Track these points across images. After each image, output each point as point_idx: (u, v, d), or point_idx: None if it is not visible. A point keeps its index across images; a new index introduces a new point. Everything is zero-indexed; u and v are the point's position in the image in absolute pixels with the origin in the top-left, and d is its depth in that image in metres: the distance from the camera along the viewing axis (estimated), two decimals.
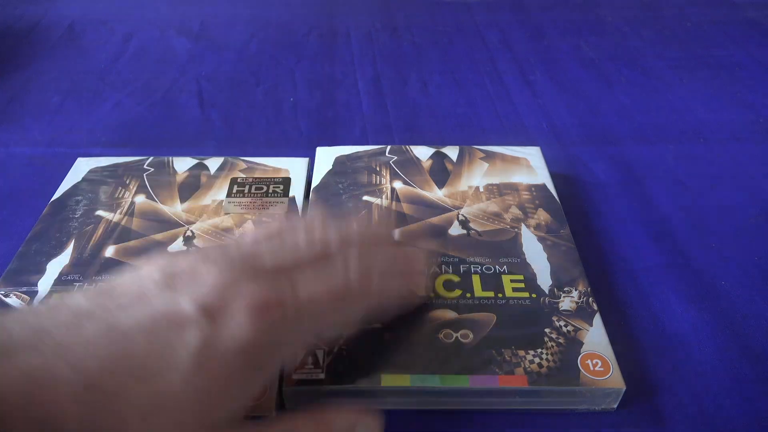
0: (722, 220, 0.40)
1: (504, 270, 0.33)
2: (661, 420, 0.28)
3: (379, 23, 0.69)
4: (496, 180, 0.39)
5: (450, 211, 0.37)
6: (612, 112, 0.53)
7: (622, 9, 0.72)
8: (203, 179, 0.40)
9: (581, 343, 0.29)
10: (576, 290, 0.31)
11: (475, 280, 0.32)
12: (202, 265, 0.22)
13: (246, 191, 0.39)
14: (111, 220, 0.36)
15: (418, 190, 0.38)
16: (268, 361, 0.22)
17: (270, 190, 0.39)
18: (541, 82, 0.57)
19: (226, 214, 0.37)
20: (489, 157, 0.41)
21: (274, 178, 0.40)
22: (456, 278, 0.32)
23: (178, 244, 0.34)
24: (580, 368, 0.27)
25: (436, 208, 0.37)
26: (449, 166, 0.40)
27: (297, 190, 0.39)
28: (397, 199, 0.37)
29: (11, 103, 0.53)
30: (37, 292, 0.31)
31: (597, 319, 0.30)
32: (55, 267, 0.33)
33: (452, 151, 0.42)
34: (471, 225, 0.36)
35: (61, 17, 0.68)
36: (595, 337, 0.29)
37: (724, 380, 0.30)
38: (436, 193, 0.38)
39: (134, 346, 0.19)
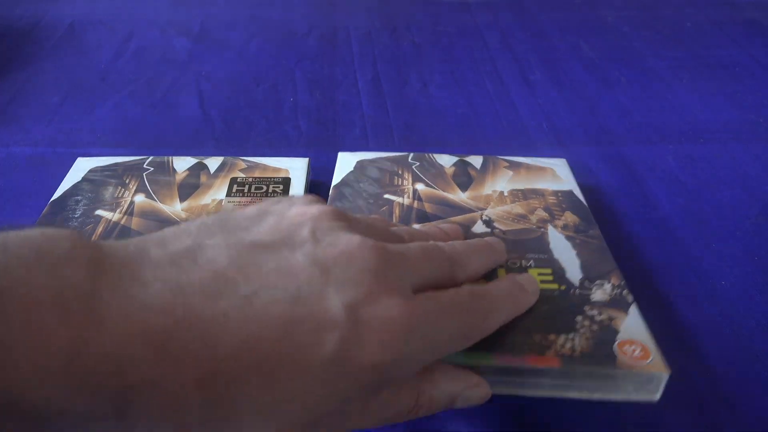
0: (722, 220, 0.40)
1: (531, 264, 0.31)
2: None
3: (379, 23, 0.69)
4: (521, 186, 0.38)
5: (473, 212, 0.36)
6: (612, 112, 0.53)
7: (622, 9, 0.72)
8: (203, 179, 0.40)
9: (617, 331, 0.27)
10: (609, 283, 0.30)
11: (501, 273, 0.30)
12: (360, 250, 0.20)
13: (246, 191, 0.39)
14: (111, 220, 0.36)
15: (441, 192, 0.37)
16: (395, 381, 0.21)
17: (270, 190, 0.39)
18: (541, 82, 0.57)
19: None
20: (513, 166, 0.40)
21: (273, 177, 0.40)
22: None
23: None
24: (617, 354, 0.25)
25: (459, 208, 0.36)
26: (472, 173, 0.39)
27: (297, 190, 0.39)
28: (419, 199, 0.37)
29: (11, 103, 0.53)
30: None
31: (633, 309, 0.28)
32: None
33: (476, 160, 0.41)
34: (495, 224, 0.34)
35: (61, 17, 0.68)
36: (633, 325, 0.27)
37: (724, 380, 0.30)
38: (459, 196, 0.37)
39: (268, 333, 0.17)
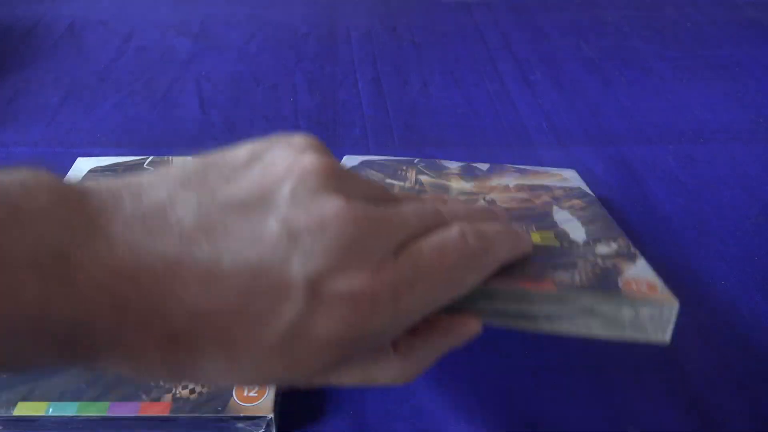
0: (722, 220, 0.40)
1: (532, 228, 0.29)
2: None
3: (379, 23, 0.69)
4: (528, 182, 0.37)
5: (476, 196, 0.34)
6: (612, 112, 0.53)
7: (622, 9, 0.72)
8: None
9: (621, 272, 0.25)
10: (615, 243, 0.28)
11: None
12: (338, 218, 0.19)
13: None
14: None
15: (444, 181, 0.37)
16: (359, 352, 0.20)
17: None
18: (542, 82, 0.57)
19: None
20: (521, 171, 0.39)
21: None
22: None
23: None
24: (622, 288, 0.23)
25: (462, 193, 0.35)
26: (479, 173, 0.39)
27: None
28: (421, 184, 0.36)
29: (11, 103, 0.53)
30: None
31: (641, 260, 0.26)
32: None
33: (483, 165, 0.40)
34: (499, 204, 0.33)
35: (61, 17, 0.68)
36: (640, 269, 0.25)
37: (725, 380, 0.30)
38: (463, 185, 0.36)
39: (226, 304, 0.17)
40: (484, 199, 0.34)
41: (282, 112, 0.53)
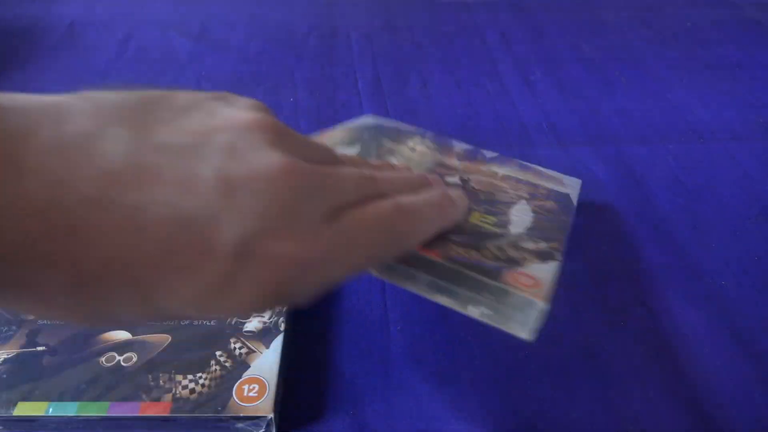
0: (722, 220, 0.40)
1: (481, 210, 0.30)
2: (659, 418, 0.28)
3: (379, 23, 0.69)
4: (518, 176, 0.36)
5: (456, 173, 0.34)
6: (612, 112, 0.53)
7: (622, 9, 0.72)
8: None
9: (521, 265, 0.26)
10: (545, 243, 0.28)
11: None
12: (276, 176, 0.18)
13: None
14: None
15: (436, 153, 0.36)
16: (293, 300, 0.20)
17: None
18: (541, 82, 0.57)
19: None
20: (524, 167, 0.38)
21: None
22: None
23: None
24: (504, 277, 0.24)
25: (446, 168, 0.35)
26: (478, 157, 0.38)
27: None
28: (414, 151, 0.35)
29: None
30: None
31: (553, 263, 0.27)
32: None
33: (490, 153, 0.39)
34: (471, 183, 0.33)
35: (61, 17, 0.68)
36: (541, 268, 0.26)
37: (725, 380, 0.30)
38: (452, 161, 0.36)
39: (146, 255, 0.16)
40: (460, 176, 0.34)
41: (282, 112, 0.53)
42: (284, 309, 0.31)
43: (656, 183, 0.44)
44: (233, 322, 0.30)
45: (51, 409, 0.26)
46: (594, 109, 0.53)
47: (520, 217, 0.31)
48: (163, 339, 0.29)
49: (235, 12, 0.71)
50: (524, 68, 0.60)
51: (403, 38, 0.66)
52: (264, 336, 0.30)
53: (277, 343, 0.29)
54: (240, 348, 0.29)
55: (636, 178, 0.45)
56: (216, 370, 0.28)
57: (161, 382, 0.27)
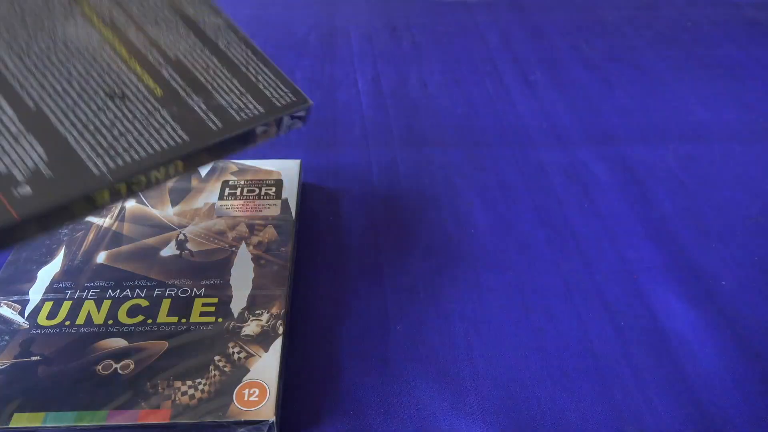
0: (722, 220, 0.40)
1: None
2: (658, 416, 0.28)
3: (379, 23, 0.69)
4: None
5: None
6: (612, 112, 0.53)
7: (622, 9, 0.72)
8: (194, 183, 0.40)
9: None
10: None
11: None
12: None
13: (238, 194, 0.39)
14: (102, 226, 0.36)
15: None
16: None
17: (262, 192, 0.39)
18: (542, 82, 0.57)
19: (219, 216, 0.37)
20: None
21: (266, 180, 0.40)
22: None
23: (170, 248, 0.35)
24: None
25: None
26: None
27: (290, 192, 0.39)
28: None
29: None
30: (28, 300, 0.31)
31: (276, 345, 0.29)
32: (46, 274, 0.33)
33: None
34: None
35: None
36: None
37: (724, 380, 0.30)
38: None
39: None
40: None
41: None
42: (282, 312, 0.31)
43: (656, 183, 0.44)
44: (231, 327, 0.30)
45: (48, 420, 0.26)
46: (594, 109, 0.53)
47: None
48: (161, 346, 0.29)
49: (235, 12, 0.71)
50: (524, 68, 0.60)
51: (403, 38, 0.66)
52: (262, 340, 0.30)
53: (276, 346, 0.29)
54: (239, 352, 0.29)
55: (636, 178, 0.45)
56: (215, 375, 0.28)
57: (160, 389, 0.27)
